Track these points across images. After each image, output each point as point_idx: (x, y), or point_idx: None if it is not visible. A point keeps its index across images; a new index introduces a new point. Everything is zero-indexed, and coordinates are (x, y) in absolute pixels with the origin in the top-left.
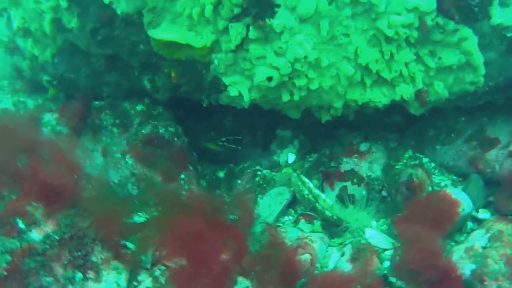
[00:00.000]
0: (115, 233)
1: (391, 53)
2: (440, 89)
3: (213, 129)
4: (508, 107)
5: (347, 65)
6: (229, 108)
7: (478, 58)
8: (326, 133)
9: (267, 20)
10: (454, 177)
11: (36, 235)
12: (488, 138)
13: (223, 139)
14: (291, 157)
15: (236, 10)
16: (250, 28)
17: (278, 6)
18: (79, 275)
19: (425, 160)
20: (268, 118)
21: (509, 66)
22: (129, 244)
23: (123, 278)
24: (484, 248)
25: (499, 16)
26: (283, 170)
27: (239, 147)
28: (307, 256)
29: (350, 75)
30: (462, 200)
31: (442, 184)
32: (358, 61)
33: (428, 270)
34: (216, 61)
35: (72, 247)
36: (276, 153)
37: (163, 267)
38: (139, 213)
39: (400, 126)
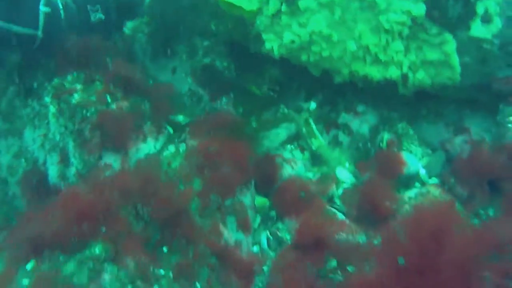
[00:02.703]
0: (162, 119)
1: (387, 41)
2: (422, 77)
3: (260, 77)
4: (490, 106)
5: (352, 43)
6: (277, 63)
7: (455, 59)
8: (340, 92)
9: (296, 1)
10: (428, 150)
11: (116, 106)
12: (462, 127)
13: (266, 86)
14: (313, 105)
15: None
16: (283, 3)
17: None
18: (135, 135)
19: (411, 131)
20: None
21: (481, 72)
22: (169, 128)
23: (159, 145)
24: (409, 198)
25: (478, 30)
26: (302, 114)
27: (275, 95)
28: (289, 171)
29: (354, 50)
30: (409, 162)
31: (411, 148)
32: (361, 42)
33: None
34: (258, 22)
35: (134, 118)
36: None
37: (183, 146)
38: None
39: (409, 101)
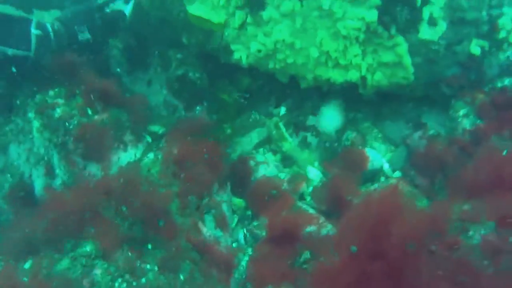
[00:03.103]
0: (140, 129)
1: (346, 46)
2: (379, 78)
3: (231, 85)
4: (442, 103)
5: (314, 49)
6: (246, 71)
7: (407, 60)
8: (307, 96)
9: (259, 12)
10: (391, 146)
11: (97, 118)
12: (420, 123)
13: (236, 94)
14: (283, 110)
15: (240, 3)
16: (248, 15)
17: (267, 3)
18: (116, 145)
19: (375, 130)
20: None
21: (432, 71)
22: (147, 137)
23: (139, 153)
24: (374, 189)
25: (426, 32)
26: (273, 118)
27: (246, 102)
28: (262, 172)
29: (316, 57)
30: (372, 158)
31: (375, 145)
32: (322, 48)
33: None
34: (226, 33)
35: (115, 129)
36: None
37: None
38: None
39: (372, 103)
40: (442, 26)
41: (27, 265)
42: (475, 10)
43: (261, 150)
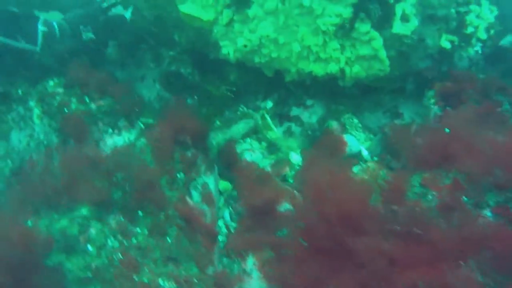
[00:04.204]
0: (134, 116)
1: (325, 41)
2: (358, 70)
3: (219, 80)
4: (417, 93)
5: (296, 44)
6: (235, 68)
7: (383, 54)
8: (291, 90)
9: (245, 10)
10: (371, 135)
11: (94, 106)
12: (397, 113)
13: (223, 87)
14: (269, 104)
15: (228, 1)
16: (235, 13)
17: (252, 2)
18: (110, 130)
19: (355, 120)
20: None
21: (406, 63)
22: (140, 123)
23: (132, 137)
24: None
25: (399, 28)
26: (260, 111)
27: (232, 95)
28: (248, 158)
29: (298, 51)
30: (350, 143)
31: (354, 134)
32: (303, 43)
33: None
34: (215, 30)
35: (110, 115)
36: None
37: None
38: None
39: (353, 96)
40: (414, 22)
41: (29, 223)
42: (444, 7)
43: (248, 139)
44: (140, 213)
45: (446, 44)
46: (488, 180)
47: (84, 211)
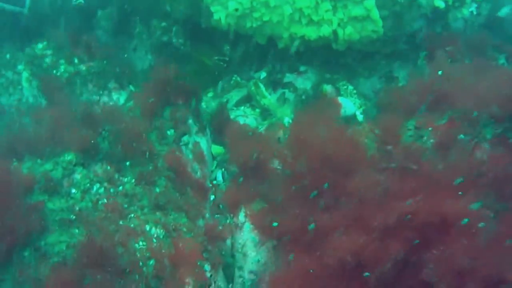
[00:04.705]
0: (125, 79)
1: (317, 2)
2: (350, 32)
3: (214, 51)
4: (412, 56)
5: (288, 7)
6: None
7: (376, 14)
8: (285, 58)
9: None
10: (366, 101)
11: (83, 67)
12: (391, 77)
13: (215, 57)
14: (263, 74)
15: None
16: None
17: None
18: (100, 91)
19: (350, 87)
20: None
21: (399, 24)
22: (131, 87)
23: (122, 99)
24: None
25: None
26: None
27: (225, 65)
28: (240, 121)
29: (289, 14)
30: (344, 105)
31: (350, 99)
32: (295, 5)
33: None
34: None
35: (100, 77)
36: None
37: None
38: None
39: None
40: None
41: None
42: None
43: (241, 107)
44: (127, 163)
45: (440, 3)
46: (484, 114)
47: (69, 157)
